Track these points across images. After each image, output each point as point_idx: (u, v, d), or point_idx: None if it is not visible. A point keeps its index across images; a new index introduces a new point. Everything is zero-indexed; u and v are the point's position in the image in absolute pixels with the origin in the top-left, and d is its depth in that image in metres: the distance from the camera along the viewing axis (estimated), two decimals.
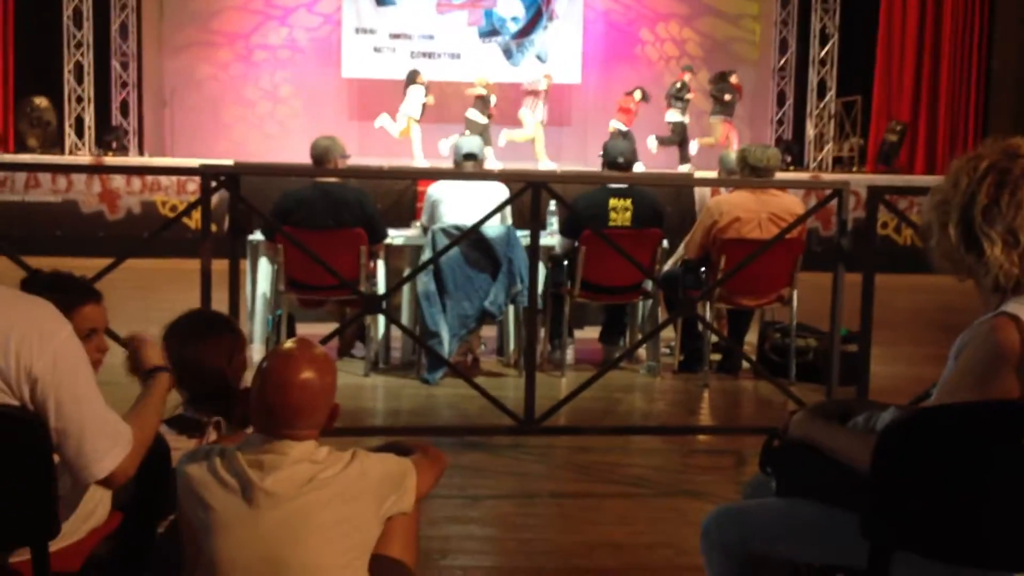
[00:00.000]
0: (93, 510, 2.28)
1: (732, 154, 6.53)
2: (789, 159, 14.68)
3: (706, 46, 17.03)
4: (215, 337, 2.80)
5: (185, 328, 2.85)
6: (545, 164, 14.24)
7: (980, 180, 2.04)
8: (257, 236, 6.16)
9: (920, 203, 10.46)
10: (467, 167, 6.22)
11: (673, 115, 14.60)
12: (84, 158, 13.49)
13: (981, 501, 1.93)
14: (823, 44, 15.11)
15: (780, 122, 15.94)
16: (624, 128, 14.37)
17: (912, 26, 14.53)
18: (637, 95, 14.62)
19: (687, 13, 17.07)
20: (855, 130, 15.13)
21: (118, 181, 11.50)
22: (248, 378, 2.24)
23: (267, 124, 16.95)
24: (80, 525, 2.27)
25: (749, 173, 5.96)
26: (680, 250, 6.34)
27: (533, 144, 14.45)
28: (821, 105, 15.22)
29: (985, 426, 1.94)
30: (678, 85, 14.62)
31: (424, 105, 14.42)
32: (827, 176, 13.16)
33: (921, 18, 14.50)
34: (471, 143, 6.35)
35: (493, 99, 14.43)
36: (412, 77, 14.54)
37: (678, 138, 14.55)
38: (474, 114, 14.18)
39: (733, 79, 14.76)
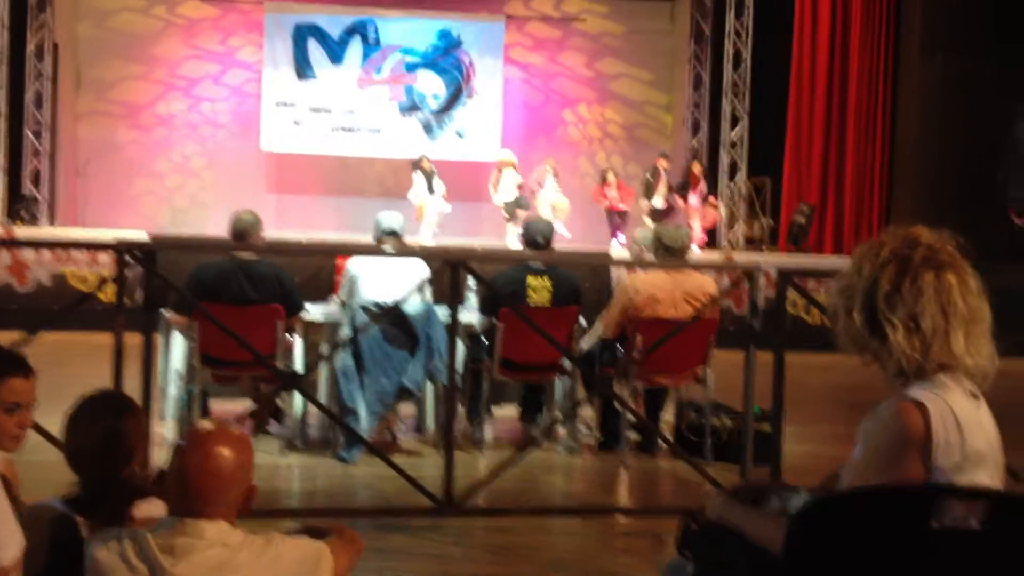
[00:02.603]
0: None
1: (648, 233, 6.66)
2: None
3: (627, 128, 17.50)
4: (88, 422, 2.73)
5: (72, 411, 2.80)
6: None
7: (882, 267, 2.11)
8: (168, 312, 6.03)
9: (829, 284, 10.74)
10: (387, 243, 6.23)
11: (659, 202, 14.80)
12: None
13: None
14: (733, 126, 15.59)
15: None
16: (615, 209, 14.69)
17: (820, 110, 15.10)
18: (611, 176, 14.84)
19: (594, 99, 17.51)
20: (765, 210, 15.55)
21: (28, 253, 11.25)
22: (161, 457, 2.21)
23: (179, 196, 16.81)
24: None
25: (663, 253, 6.08)
26: (597, 328, 6.40)
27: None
28: (732, 186, 15.64)
29: (893, 509, 2.00)
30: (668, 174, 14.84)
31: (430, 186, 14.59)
32: (739, 256, 13.47)
33: (828, 102, 15.09)
34: (392, 219, 6.36)
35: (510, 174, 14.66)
36: (416, 163, 14.72)
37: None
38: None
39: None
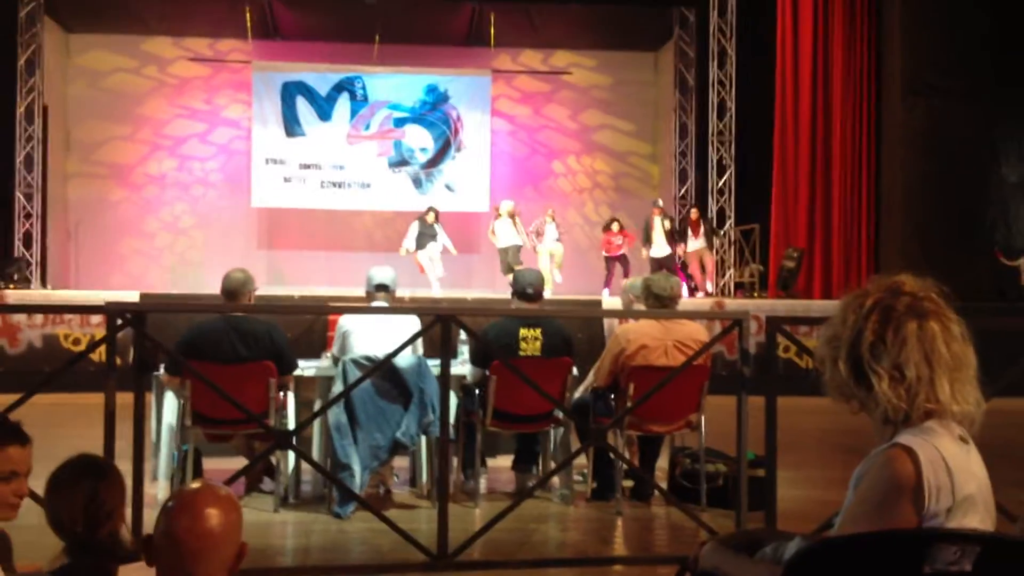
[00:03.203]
0: None
1: (638, 282, 6.70)
2: (693, 286, 15.11)
3: (613, 179, 17.66)
4: (68, 488, 2.72)
5: (52, 477, 2.80)
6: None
7: (866, 317, 2.13)
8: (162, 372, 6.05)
9: (819, 330, 10.75)
10: (379, 298, 6.25)
11: (663, 250, 14.91)
12: None
13: None
14: (720, 175, 15.72)
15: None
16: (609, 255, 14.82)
17: (804, 156, 15.25)
18: (615, 227, 14.95)
19: (580, 150, 17.71)
20: (755, 257, 15.64)
21: (19, 314, 11.25)
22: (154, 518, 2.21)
23: (178, 252, 16.88)
24: None
25: (654, 302, 6.12)
26: (590, 377, 6.42)
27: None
28: (721, 233, 15.74)
29: (886, 556, 2.00)
30: (665, 221, 14.98)
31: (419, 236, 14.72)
32: (729, 302, 13.52)
33: (812, 148, 15.24)
34: (383, 274, 6.39)
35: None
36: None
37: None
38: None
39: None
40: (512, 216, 14.85)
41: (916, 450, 2.05)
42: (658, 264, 14.62)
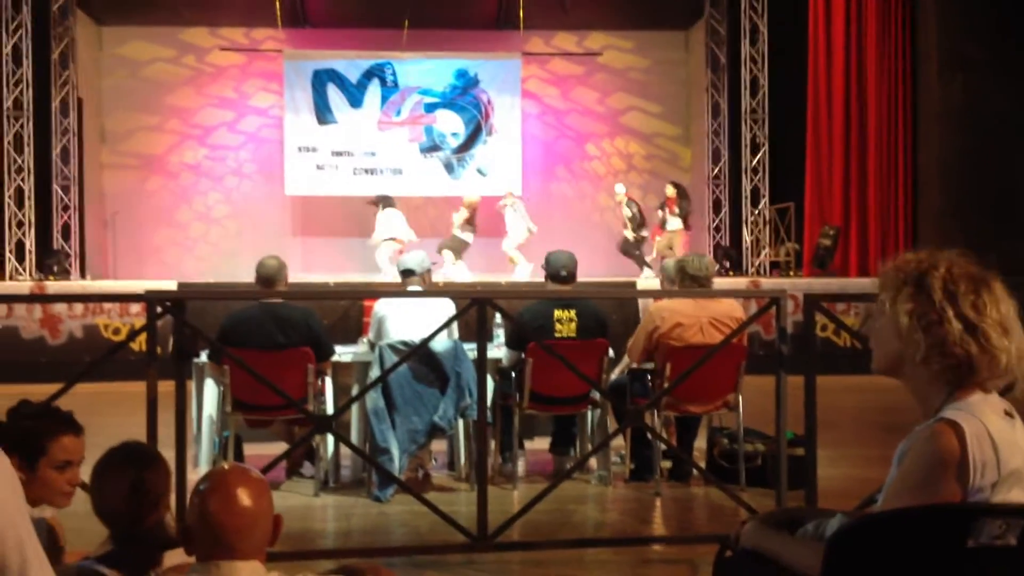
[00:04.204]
0: None
1: (672, 263, 6.68)
2: (728, 264, 15.02)
3: (649, 160, 17.57)
4: (113, 475, 2.75)
5: (98, 464, 2.83)
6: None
7: (953, 281, 2.12)
8: (203, 358, 6.13)
9: (857, 308, 10.59)
10: (411, 283, 6.28)
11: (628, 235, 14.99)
12: (25, 283, 13.36)
13: None
14: (754, 153, 15.59)
15: (717, 229, 16.35)
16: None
17: (838, 133, 15.08)
18: (670, 190, 14.92)
19: (610, 132, 17.61)
20: (790, 235, 15.51)
21: (60, 305, 11.39)
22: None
23: (212, 241, 17.02)
24: None
25: (689, 282, 6.09)
26: (626, 358, 6.41)
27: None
28: (756, 212, 15.63)
29: (930, 530, 2.00)
30: (627, 209, 15.00)
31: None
32: (765, 282, 13.43)
33: (847, 125, 15.06)
34: (412, 259, 6.41)
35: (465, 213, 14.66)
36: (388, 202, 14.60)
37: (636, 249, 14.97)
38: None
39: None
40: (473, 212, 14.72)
41: (962, 424, 2.04)
42: (624, 250, 14.73)
